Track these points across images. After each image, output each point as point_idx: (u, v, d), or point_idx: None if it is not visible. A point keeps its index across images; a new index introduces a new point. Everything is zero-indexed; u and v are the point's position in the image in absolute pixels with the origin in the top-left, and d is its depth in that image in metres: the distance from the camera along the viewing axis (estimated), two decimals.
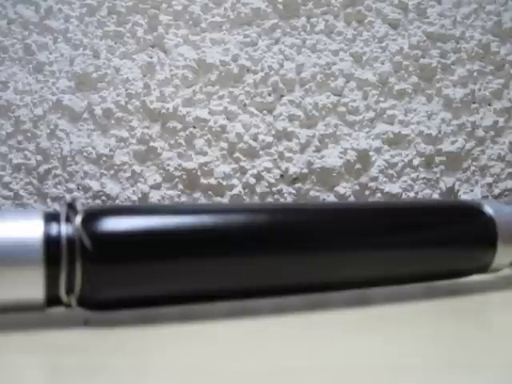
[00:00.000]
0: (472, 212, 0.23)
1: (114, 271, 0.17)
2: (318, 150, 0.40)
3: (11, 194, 0.40)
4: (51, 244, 0.16)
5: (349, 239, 0.21)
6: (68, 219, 0.17)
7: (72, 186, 0.40)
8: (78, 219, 0.16)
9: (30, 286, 0.16)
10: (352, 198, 0.40)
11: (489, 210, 0.23)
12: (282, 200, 0.40)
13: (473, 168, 0.41)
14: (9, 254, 0.16)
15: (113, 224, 0.17)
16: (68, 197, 0.40)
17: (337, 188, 0.40)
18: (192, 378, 0.13)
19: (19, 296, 0.16)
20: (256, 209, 0.22)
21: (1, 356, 0.15)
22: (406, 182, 0.40)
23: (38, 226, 0.16)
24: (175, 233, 0.18)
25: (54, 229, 0.16)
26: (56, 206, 0.40)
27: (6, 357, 0.15)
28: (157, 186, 0.39)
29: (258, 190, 0.39)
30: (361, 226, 0.21)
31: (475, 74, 0.41)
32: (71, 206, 0.17)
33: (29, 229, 0.16)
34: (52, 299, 0.16)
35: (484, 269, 0.23)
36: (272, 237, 0.19)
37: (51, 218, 0.17)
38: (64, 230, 0.16)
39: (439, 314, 0.20)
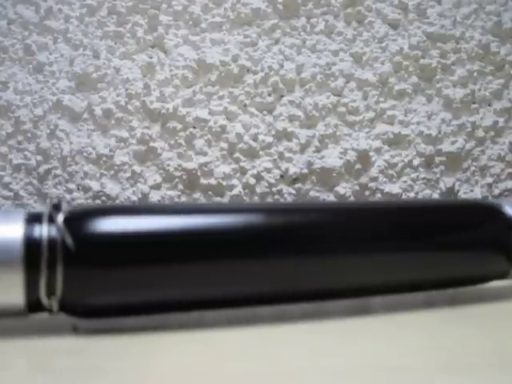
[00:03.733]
0: (490, 213, 0.21)
1: (98, 275, 0.16)
2: (318, 151, 0.40)
3: (11, 194, 0.40)
4: (31, 245, 0.15)
5: (359, 243, 0.19)
6: (51, 220, 0.16)
7: (72, 186, 0.40)
8: (61, 218, 0.16)
9: (10, 291, 0.15)
10: (352, 199, 0.40)
11: (509, 211, 0.21)
12: (282, 200, 0.40)
13: (473, 168, 0.41)
14: None
15: (97, 224, 0.16)
16: (68, 197, 0.40)
17: (337, 188, 0.40)
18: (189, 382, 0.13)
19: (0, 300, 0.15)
20: (255, 209, 0.20)
21: None
22: (406, 182, 0.40)
23: (19, 227, 0.15)
24: (166, 234, 0.17)
25: (35, 230, 0.16)
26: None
27: None
28: (157, 187, 0.39)
29: (258, 190, 0.39)
30: (371, 229, 0.20)
31: (475, 74, 0.41)
32: (56, 207, 0.16)
33: (9, 230, 0.15)
34: (33, 304, 0.16)
35: (504, 275, 0.21)
36: (272, 239, 0.18)
37: (33, 218, 0.16)
38: (45, 230, 0.16)
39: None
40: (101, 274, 0.16)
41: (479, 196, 0.41)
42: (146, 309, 0.17)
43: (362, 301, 0.22)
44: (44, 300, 0.15)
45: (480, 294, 0.22)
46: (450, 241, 0.20)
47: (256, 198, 0.39)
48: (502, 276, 0.21)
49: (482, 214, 0.21)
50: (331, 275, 0.19)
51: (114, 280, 0.16)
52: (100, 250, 0.16)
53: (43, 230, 0.15)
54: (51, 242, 0.15)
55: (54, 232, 0.15)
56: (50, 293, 0.15)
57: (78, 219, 0.16)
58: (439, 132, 0.41)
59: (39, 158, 0.40)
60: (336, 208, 0.22)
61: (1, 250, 0.15)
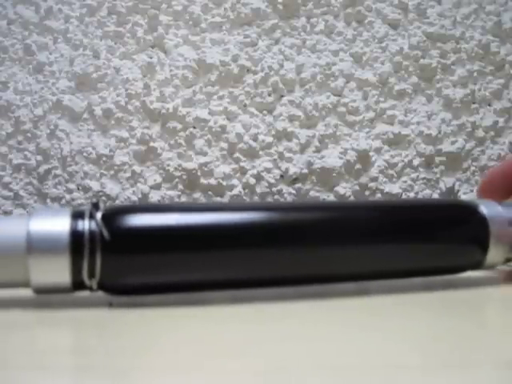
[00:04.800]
0: (467, 211, 0.24)
1: (128, 260, 0.19)
2: (317, 151, 0.40)
3: (11, 194, 0.40)
4: (76, 237, 0.19)
5: (353, 236, 0.22)
6: (91, 216, 0.19)
7: (72, 186, 0.40)
8: (99, 215, 0.19)
9: (59, 273, 0.19)
10: (352, 198, 0.40)
11: (484, 209, 0.24)
12: (282, 200, 0.40)
13: (473, 168, 0.41)
14: (42, 245, 0.19)
15: (128, 220, 0.20)
16: (68, 197, 0.40)
17: (337, 188, 0.40)
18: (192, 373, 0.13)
19: (50, 280, 0.19)
20: (257, 207, 0.23)
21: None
22: (406, 182, 0.40)
23: (66, 221, 0.19)
24: (182, 228, 0.20)
25: (78, 224, 0.19)
26: (56, 207, 0.40)
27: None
28: (157, 187, 0.39)
29: (258, 190, 0.40)
30: (364, 224, 0.22)
31: (475, 74, 0.41)
32: (95, 205, 0.20)
33: (58, 224, 0.19)
34: (77, 284, 0.19)
35: (477, 265, 0.24)
36: (267, 233, 0.21)
37: (77, 215, 0.19)
38: (87, 225, 0.19)
39: (435, 308, 0.20)
40: (131, 260, 0.19)
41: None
42: (166, 288, 0.21)
43: (359, 299, 0.22)
44: (86, 280, 0.19)
45: (458, 282, 0.25)
46: (431, 235, 0.23)
47: (256, 198, 0.39)
48: (476, 266, 0.24)
49: (460, 212, 0.24)
50: (327, 263, 0.22)
51: (141, 265, 0.20)
52: (130, 240, 0.19)
53: (85, 225, 0.19)
54: (92, 234, 0.19)
55: (93, 226, 0.19)
56: (91, 275, 0.19)
57: (112, 216, 0.19)
58: (439, 132, 0.41)
59: (39, 158, 0.40)
60: (331, 206, 0.25)
61: (51, 240, 0.19)
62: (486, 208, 0.24)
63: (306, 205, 0.26)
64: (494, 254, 0.23)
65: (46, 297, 0.20)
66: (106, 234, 0.19)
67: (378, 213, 0.23)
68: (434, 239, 0.23)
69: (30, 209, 0.40)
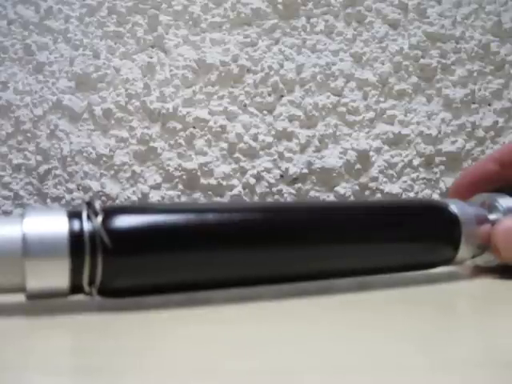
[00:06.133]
0: (439, 211, 0.25)
1: (129, 264, 0.19)
2: (317, 150, 0.40)
3: (11, 194, 0.40)
4: (75, 239, 0.18)
5: (335, 235, 0.23)
6: (89, 217, 0.19)
7: (72, 186, 0.40)
8: (99, 220, 0.18)
9: (57, 276, 0.18)
10: (352, 198, 0.40)
11: (454, 209, 0.25)
12: (282, 200, 0.40)
13: None
14: (40, 248, 0.18)
15: (129, 221, 0.19)
16: (68, 197, 0.40)
17: (337, 188, 0.40)
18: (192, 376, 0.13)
19: (47, 285, 0.18)
20: (254, 208, 0.23)
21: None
22: (405, 182, 0.40)
23: (64, 222, 0.18)
24: (187, 227, 0.20)
25: (76, 225, 0.18)
26: (56, 206, 0.40)
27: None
28: (157, 187, 0.39)
29: (258, 190, 0.39)
30: (345, 224, 0.23)
31: (475, 74, 0.41)
32: (90, 205, 0.19)
33: (55, 225, 0.18)
34: (75, 288, 0.18)
35: (449, 261, 0.25)
36: (259, 232, 0.21)
37: (74, 215, 0.19)
38: (86, 226, 0.18)
39: (434, 308, 0.21)
40: (133, 264, 0.19)
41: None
42: (168, 288, 0.20)
43: (354, 296, 0.22)
44: (85, 285, 0.18)
45: (430, 277, 0.26)
46: (406, 233, 0.24)
47: (256, 198, 0.39)
48: (447, 262, 0.25)
49: (432, 211, 0.25)
50: (314, 261, 0.22)
51: (146, 266, 0.19)
52: (132, 243, 0.19)
53: (84, 226, 0.18)
54: (92, 236, 0.18)
55: (92, 227, 0.18)
56: (91, 278, 0.18)
57: (113, 219, 0.19)
58: (439, 132, 0.41)
59: (39, 158, 0.40)
60: (318, 207, 0.25)
61: (49, 242, 0.18)
62: (457, 207, 0.25)
63: (291, 207, 0.26)
64: (465, 250, 0.24)
65: (44, 299, 0.19)
66: (106, 240, 0.18)
67: (355, 214, 0.24)
68: (409, 238, 0.24)
69: (21, 209, 0.40)
